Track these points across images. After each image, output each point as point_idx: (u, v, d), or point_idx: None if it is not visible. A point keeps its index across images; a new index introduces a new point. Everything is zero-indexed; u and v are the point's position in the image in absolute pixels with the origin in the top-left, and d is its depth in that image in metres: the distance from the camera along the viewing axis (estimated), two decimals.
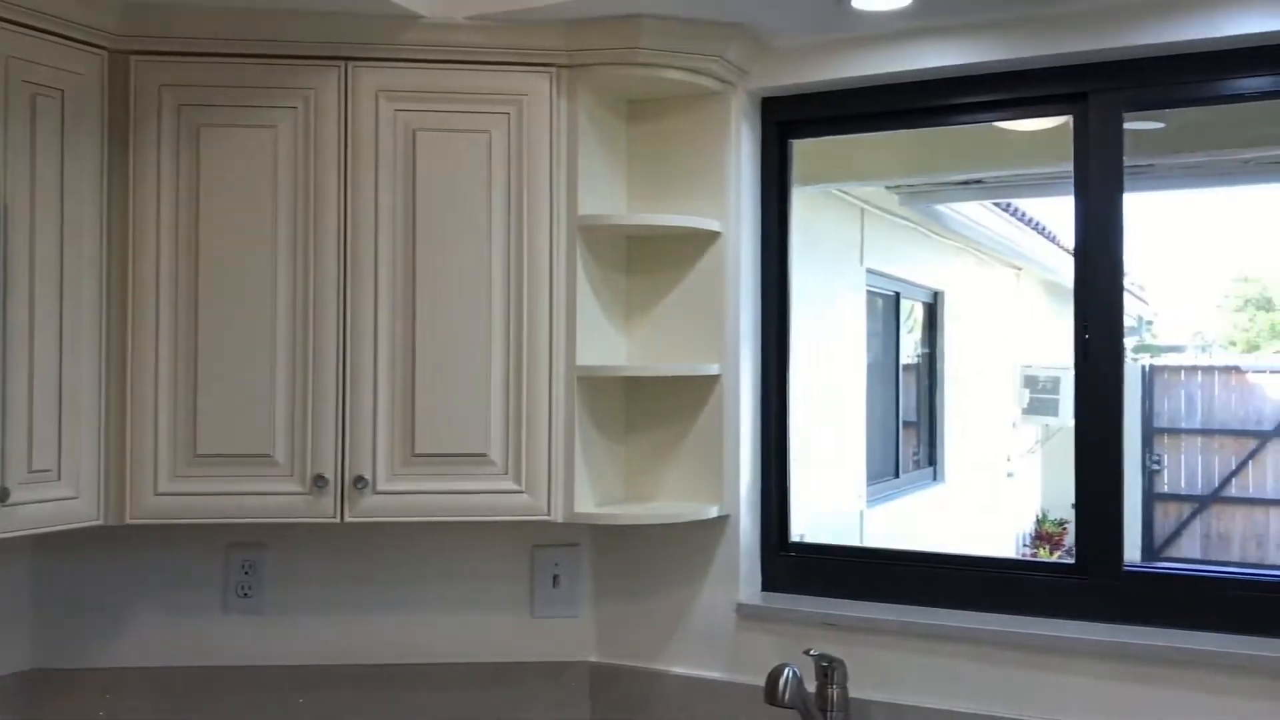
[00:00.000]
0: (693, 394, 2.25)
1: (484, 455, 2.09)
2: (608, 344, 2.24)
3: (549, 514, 2.11)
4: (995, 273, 8.31)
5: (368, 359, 2.07)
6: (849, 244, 5.74)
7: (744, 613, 2.22)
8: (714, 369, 2.21)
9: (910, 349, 7.46)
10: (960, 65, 2.08)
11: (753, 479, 2.29)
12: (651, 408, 2.29)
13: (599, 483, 2.21)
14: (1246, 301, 16.09)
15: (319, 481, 2.06)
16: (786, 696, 1.86)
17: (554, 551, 2.35)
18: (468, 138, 2.10)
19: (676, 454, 2.27)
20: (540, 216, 2.11)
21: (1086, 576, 2.05)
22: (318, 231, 2.07)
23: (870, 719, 2.08)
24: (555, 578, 2.35)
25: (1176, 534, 8.78)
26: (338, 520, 2.07)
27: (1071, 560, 2.10)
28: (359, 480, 2.06)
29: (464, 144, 2.10)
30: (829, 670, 2.02)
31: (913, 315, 7.40)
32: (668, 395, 2.27)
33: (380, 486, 2.08)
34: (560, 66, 2.11)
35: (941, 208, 5.96)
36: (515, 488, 2.10)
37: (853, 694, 2.09)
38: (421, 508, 2.09)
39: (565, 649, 2.34)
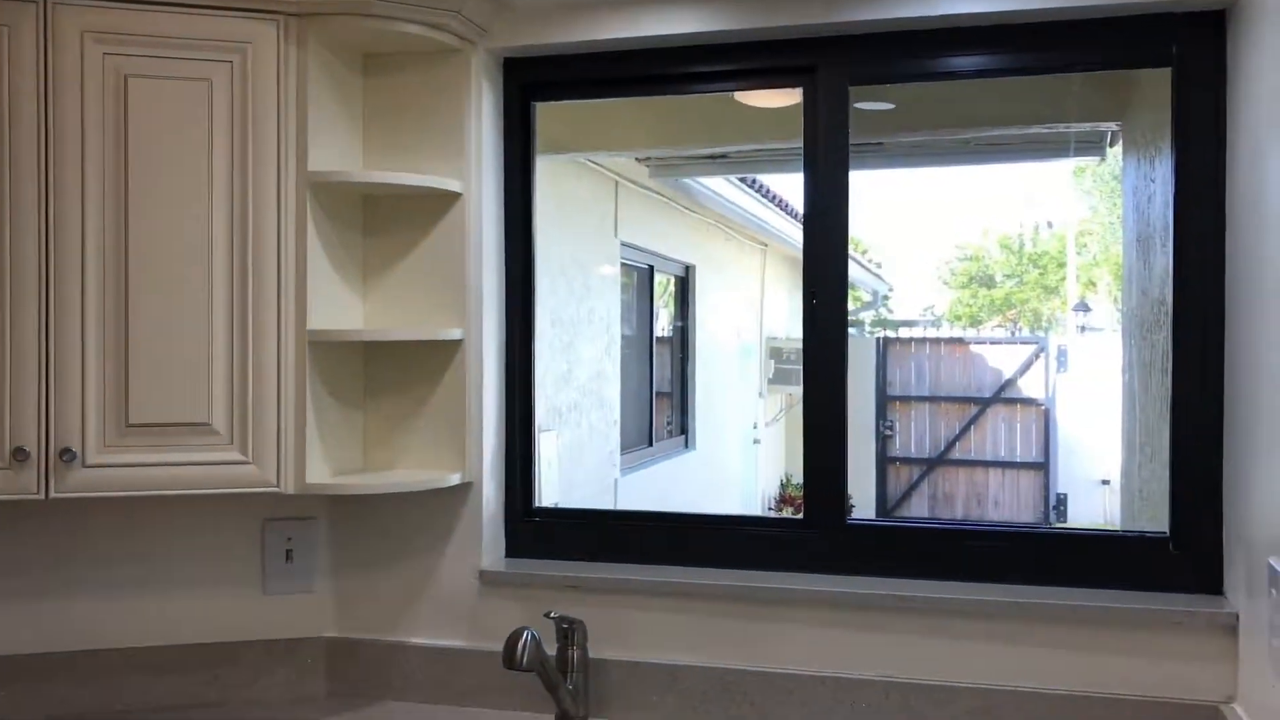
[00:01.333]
0: (435, 360, 2.19)
1: (206, 425, 1.97)
2: (343, 307, 2.16)
3: (278, 485, 2.01)
4: (744, 248, 8.60)
5: (74, 323, 1.91)
6: (604, 216, 5.78)
7: (486, 579, 2.19)
8: (456, 334, 2.16)
9: (664, 322, 7.63)
10: (697, 33, 2.11)
11: (497, 445, 2.26)
12: (392, 374, 2.23)
13: (335, 451, 2.13)
14: (970, 279, 17.32)
15: (19, 455, 1.89)
16: (525, 660, 1.85)
17: (286, 525, 2.25)
18: (186, 86, 1.96)
19: (418, 421, 2.21)
20: (267, 171, 2.00)
21: (814, 530, 2.13)
22: (13, 184, 1.89)
23: (609, 677, 2.10)
24: (288, 552, 2.25)
25: (907, 494, 9.38)
26: (42, 497, 1.91)
27: (800, 516, 2.19)
28: (65, 453, 1.90)
29: (182, 92, 1.96)
30: (569, 632, 2.03)
31: (667, 290, 7.55)
32: (409, 361, 2.21)
33: (90, 459, 1.93)
34: (288, 14, 2.00)
35: (691, 182, 6.10)
36: (241, 458, 1.99)
37: (593, 654, 2.11)
38: (137, 481, 1.95)
39: (300, 625, 2.25)
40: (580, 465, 5.43)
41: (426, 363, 2.20)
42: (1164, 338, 2.37)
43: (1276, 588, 1.53)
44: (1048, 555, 2.02)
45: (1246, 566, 1.77)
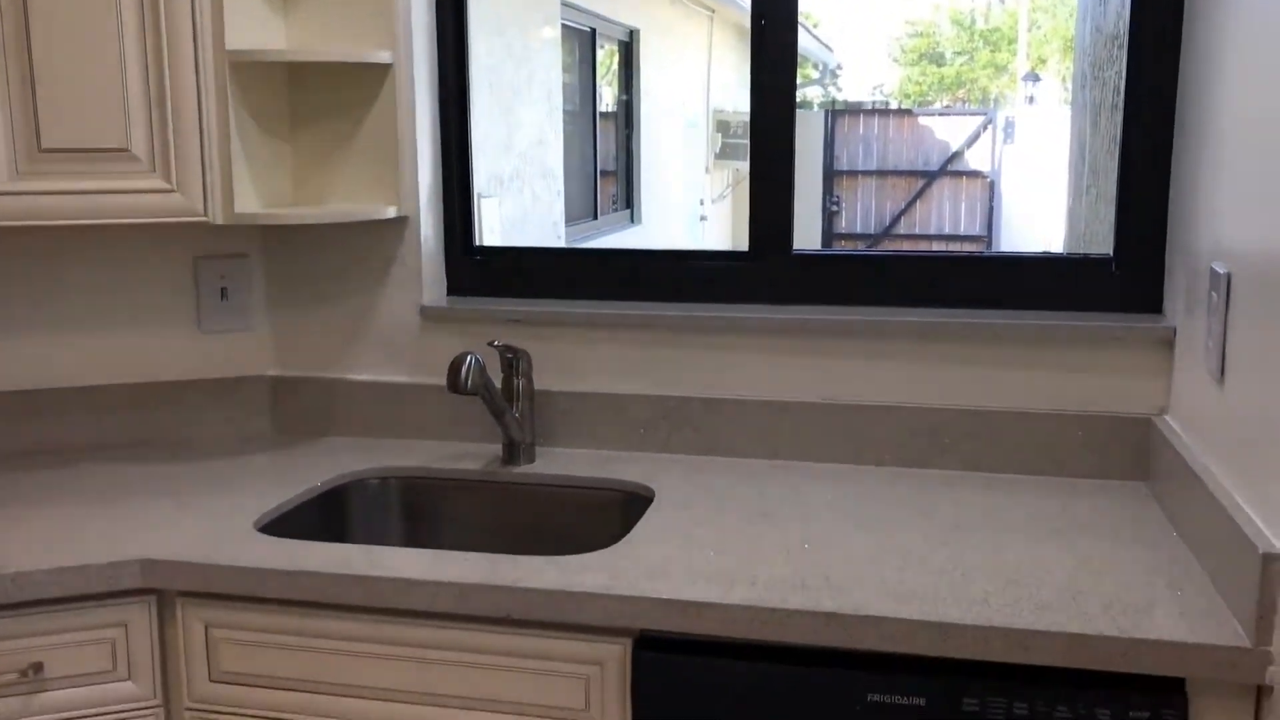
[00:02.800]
0: (363, 85, 2.09)
1: (125, 150, 1.87)
2: (263, 26, 2.03)
3: (206, 215, 1.93)
4: (690, 13, 8.30)
5: None
6: None
7: (427, 315, 2.16)
8: (384, 57, 2.05)
9: (609, 98, 7.42)
10: None
11: (433, 179, 2.19)
12: (318, 102, 2.12)
13: (263, 184, 2.05)
14: (920, 56, 16.97)
15: None
16: (470, 383, 1.84)
17: (219, 262, 2.19)
18: None
19: (348, 152, 2.13)
20: None
21: (759, 261, 2.11)
22: None
23: (555, 407, 2.11)
24: (223, 290, 2.19)
25: None
26: None
27: (745, 249, 2.16)
28: None
29: None
30: (514, 362, 2.02)
31: (611, 67, 7.31)
32: (336, 88, 2.10)
33: (3, 187, 1.83)
34: None
35: None
36: (165, 186, 1.90)
37: (538, 386, 2.11)
38: (54, 210, 1.86)
39: (240, 364, 2.22)
40: (524, 234, 5.36)
41: (354, 90, 2.10)
42: (1116, 73, 2.31)
43: (1217, 290, 1.54)
44: (990, 280, 2.02)
45: (1187, 281, 1.77)
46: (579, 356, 2.11)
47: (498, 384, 2.01)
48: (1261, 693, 1.31)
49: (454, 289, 2.25)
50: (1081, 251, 2.11)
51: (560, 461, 2.05)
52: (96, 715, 1.63)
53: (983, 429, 1.95)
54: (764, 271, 2.11)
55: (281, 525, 1.82)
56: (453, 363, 1.85)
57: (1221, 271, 1.52)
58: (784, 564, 1.54)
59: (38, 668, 1.59)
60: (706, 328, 2.06)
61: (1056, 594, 1.43)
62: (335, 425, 2.22)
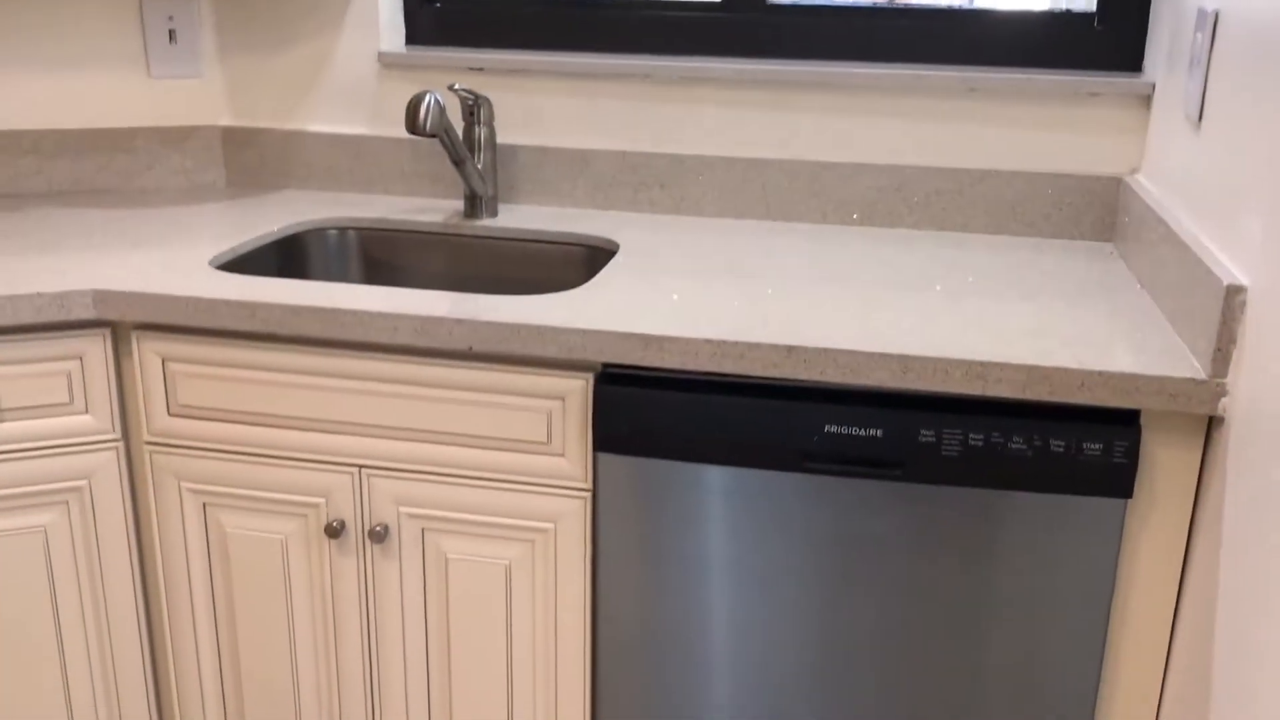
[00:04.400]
0: None
1: None
2: None
3: None
4: None
5: None
6: None
7: (386, 62, 2.08)
8: None
9: None
10: None
11: None
12: None
13: None
14: None
15: None
16: (429, 123, 1.77)
17: (165, 3, 2.07)
18: None
19: None
20: None
21: (731, 11, 2.03)
22: None
23: (517, 160, 2.06)
24: (171, 32, 2.09)
25: None
26: None
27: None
28: None
29: None
30: (474, 108, 1.95)
31: None
32: None
33: None
34: None
35: None
36: None
37: (501, 140, 2.05)
38: None
39: (191, 112, 2.14)
40: None
41: None
42: None
43: (1202, 30, 1.49)
44: (968, 36, 1.95)
45: (1171, 34, 1.72)
46: (542, 109, 2.05)
47: (459, 134, 1.95)
48: (1213, 424, 1.34)
49: (413, 38, 2.15)
50: (1064, 7, 2.04)
51: (522, 216, 2.01)
52: (56, 447, 1.62)
53: (951, 187, 1.93)
54: (736, 23, 2.03)
55: (238, 268, 1.78)
56: (411, 101, 1.78)
57: (1210, 9, 1.47)
58: (748, 309, 1.54)
59: None
60: (675, 80, 1.99)
61: (1018, 335, 1.44)
62: (292, 179, 2.15)
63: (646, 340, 1.43)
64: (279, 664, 1.70)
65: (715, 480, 1.47)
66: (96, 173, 2.10)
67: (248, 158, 2.16)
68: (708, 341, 1.41)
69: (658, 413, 1.45)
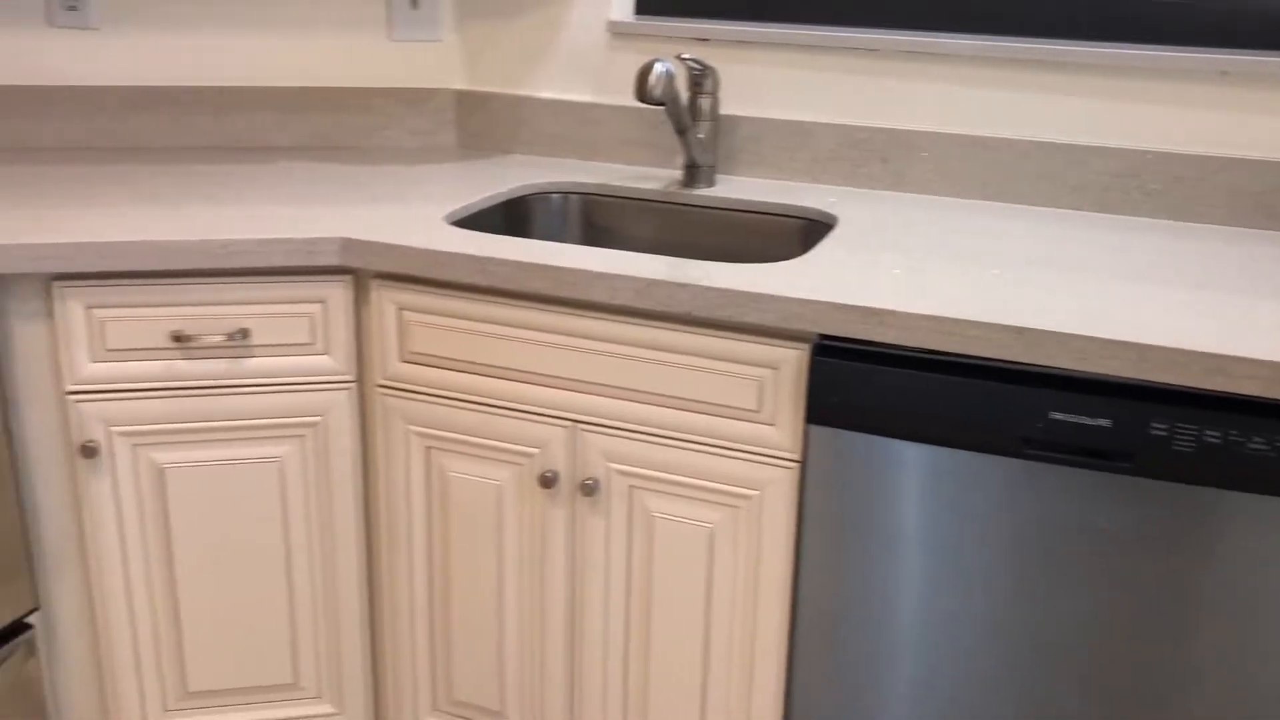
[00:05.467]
0: None
1: None
2: None
3: None
4: None
5: None
6: None
7: (615, 30, 2.12)
8: None
9: None
10: None
11: None
12: None
13: None
14: None
15: None
16: (659, 90, 1.81)
17: None
18: None
19: None
20: None
21: None
22: None
23: (738, 132, 2.07)
24: None
25: None
26: None
27: None
28: None
29: None
30: (701, 78, 1.97)
31: None
32: None
33: None
34: None
35: None
36: None
37: (723, 110, 2.07)
38: None
39: (428, 74, 2.24)
40: None
41: None
42: None
43: None
44: (1222, 16, 1.85)
45: None
46: (765, 81, 2.05)
47: (684, 103, 1.97)
48: None
49: (641, 7, 2.19)
50: None
51: (740, 187, 2.02)
52: (296, 385, 1.74)
53: (1193, 174, 1.83)
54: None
55: (468, 225, 1.86)
56: (642, 68, 1.81)
57: None
58: (971, 289, 1.51)
59: (245, 333, 1.69)
60: (901, 54, 1.96)
61: (1262, 331, 1.36)
62: (518, 143, 2.23)
63: (867, 313, 1.42)
64: (486, 604, 1.77)
65: (928, 460, 1.45)
66: (335, 130, 2.22)
67: (478, 121, 2.24)
68: (931, 318, 1.40)
69: (875, 388, 1.45)
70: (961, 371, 1.42)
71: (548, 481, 1.66)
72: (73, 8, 2.10)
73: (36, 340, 1.67)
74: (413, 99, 2.23)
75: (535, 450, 1.67)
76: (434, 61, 2.23)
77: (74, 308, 1.64)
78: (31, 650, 1.75)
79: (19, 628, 1.74)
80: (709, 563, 1.62)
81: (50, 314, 1.66)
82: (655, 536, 1.64)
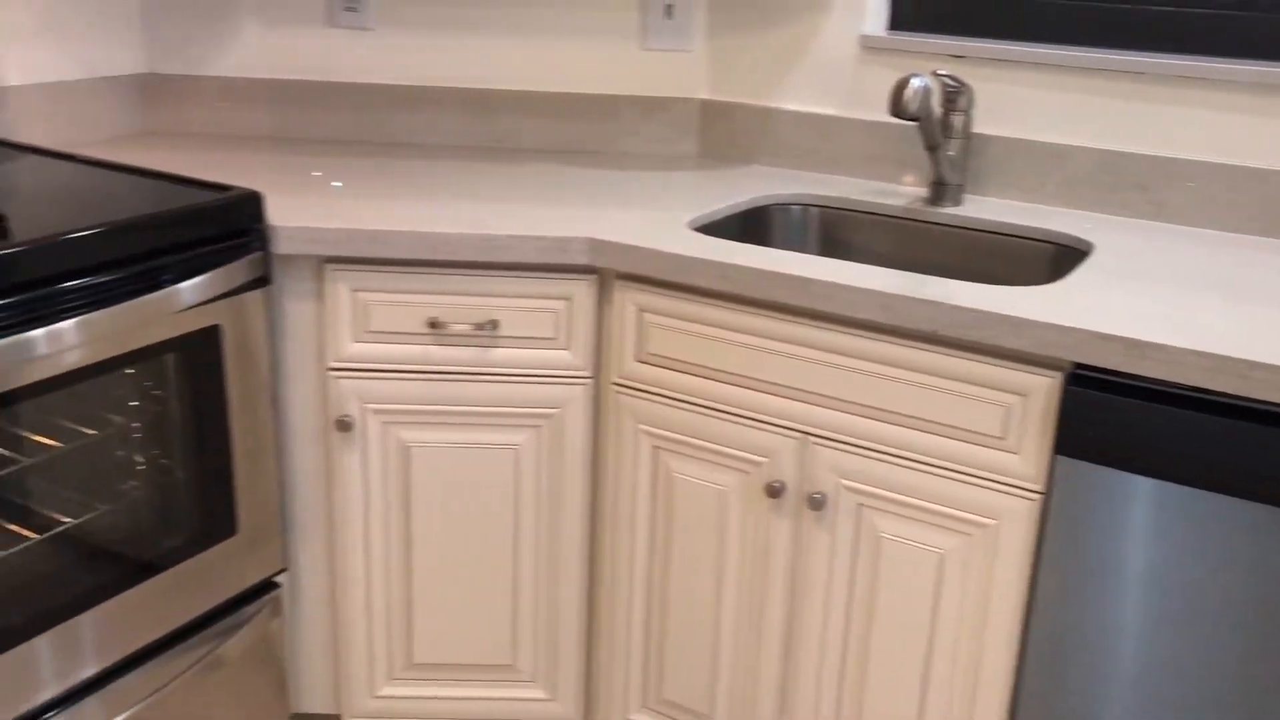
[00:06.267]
0: None
1: None
2: None
3: None
4: None
5: None
6: None
7: (867, 45, 2.10)
8: None
9: None
10: None
11: None
12: None
13: None
14: None
15: None
16: (914, 105, 1.78)
17: None
18: None
19: None
20: None
21: (1249, 8, 1.87)
22: None
23: (988, 151, 2.02)
24: (669, 7, 2.23)
25: None
26: None
27: None
28: None
29: None
30: (956, 95, 1.93)
31: None
32: None
33: None
34: None
35: None
36: None
37: (975, 129, 2.02)
38: None
39: (675, 84, 2.28)
40: None
41: None
42: None
43: None
44: None
45: None
46: (1021, 101, 1.99)
47: (937, 118, 1.94)
48: None
49: (894, 23, 2.16)
50: None
51: (988, 208, 1.97)
52: (538, 376, 1.80)
53: None
54: (1253, 21, 1.87)
55: (709, 232, 1.88)
56: (899, 83, 1.80)
57: None
58: (1245, 327, 1.42)
59: (494, 324, 1.77)
60: (1168, 79, 1.87)
61: None
62: (760, 153, 2.24)
63: (1130, 345, 1.36)
64: (704, 607, 1.79)
65: (1183, 502, 1.38)
66: (583, 135, 2.29)
67: (720, 131, 2.27)
68: (1203, 355, 1.33)
69: (1132, 423, 1.38)
70: (1226, 412, 1.34)
71: (774, 491, 1.66)
72: (351, 9, 2.24)
73: (306, 318, 1.78)
74: (658, 107, 2.28)
75: (763, 459, 1.68)
76: (681, 71, 2.27)
77: (342, 290, 1.75)
78: (277, 609, 1.87)
79: (268, 586, 1.86)
80: (936, 588, 1.59)
81: (320, 294, 1.77)
82: (881, 557, 1.62)
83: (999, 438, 1.49)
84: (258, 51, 2.26)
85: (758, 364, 1.65)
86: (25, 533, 1.54)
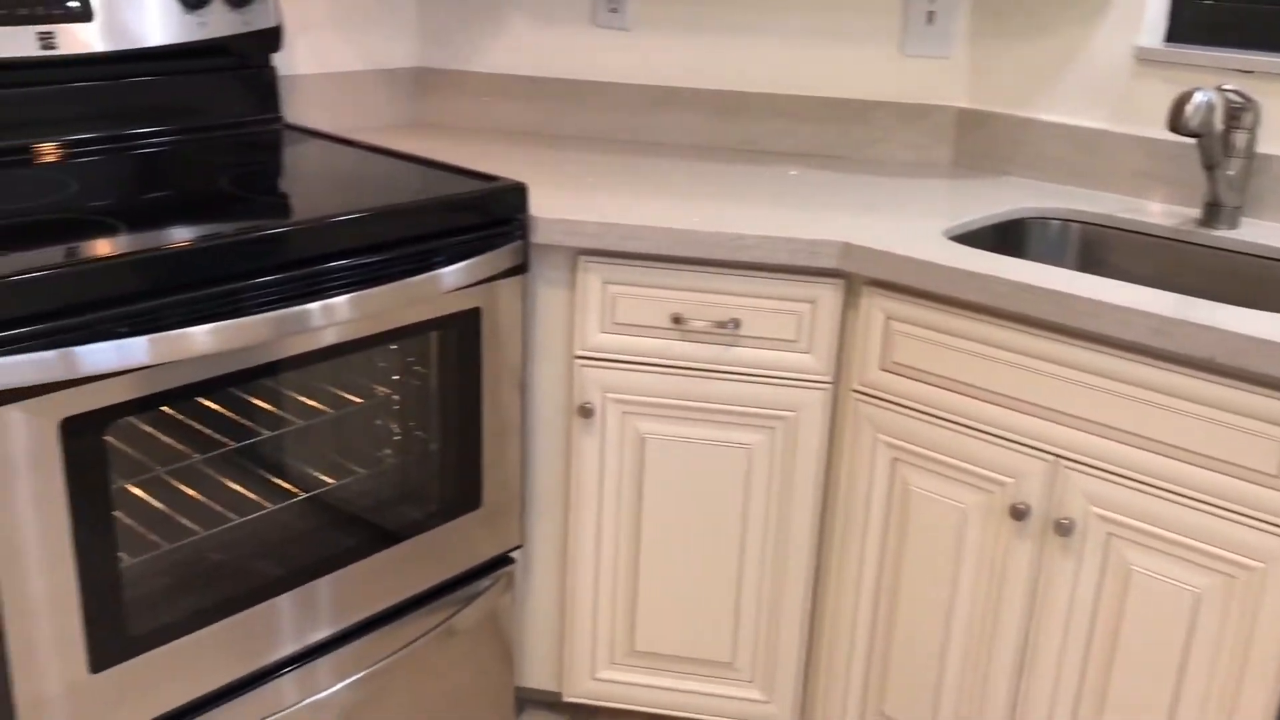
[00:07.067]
0: None
1: None
2: None
3: None
4: None
5: None
6: None
7: (1143, 58, 2.01)
8: None
9: None
10: None
11: None
12: None
13: None
14: None
15: None
16: (1195, 121, 1.69)
17: None
18: None
19: None
20: None
21: None
22: None
23: (1271, 172, 1.89)
24: (931, 14, 2.19)
25: None
26: None
27: None
28: None
29: None
30: (1240, 111, 1.82)
31: None
32: None
33: None
34: None
35: None
36: None
37: (1260, 149, 1.90)
38: None
39: (932, 91, 2.23)
40: None
41: None
42: None
43: None
44: None
45: None
46: None
47: (1218, 135, 1.83)
48: None
49: (1172, 35, 2.06)
50: None
51: (1268, 232, 1.85)
52: (776, 378, 1.80)
53: None
54: None
55: (964, 241, 1.84)
56: (1180, 97, 1.71)
57: None
58: None
59: (736, 323, 1.78)
60: None
61: None
62: (1015, 165, 2.17)
63: None
64: (932, 624, 1.75)
65: None
66: (833, 139, 2.28)
67: (976, 140, 2.21)
68: None
69: None
70: None
71: (1019, 514, 1.60)
72: (614, 9, 2.30)
73: (557, 307, 1.84)
74: (913, 114, 2.24)
75: (1009, 480, 1.63)
76: (938, 78, 2.22)
77: (593, 281, 1.80)
78: (509, 584, 1.94)
79: (503, 561, 1.93)
80: (1189, 629, 1.50)
81: (572, 284, 1.83)
82: (1129, 590, 1.54)
83: (1273, 475, 1.40)
84: (523, 48, 2.35)
85: (1011, 381, 1.60)
86: (293, 489, 1.65)
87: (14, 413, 1.27)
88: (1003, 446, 1.62)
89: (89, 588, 1.38)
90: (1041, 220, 1.97)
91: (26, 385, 1.27)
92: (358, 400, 1.73)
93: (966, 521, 1.68)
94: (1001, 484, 1.64)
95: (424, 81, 2.40)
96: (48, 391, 1.29)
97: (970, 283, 1.59)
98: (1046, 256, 1.98)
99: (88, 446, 1.34)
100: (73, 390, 1.31)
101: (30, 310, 1.27)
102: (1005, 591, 1.66)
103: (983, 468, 1.65)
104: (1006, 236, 1.94)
